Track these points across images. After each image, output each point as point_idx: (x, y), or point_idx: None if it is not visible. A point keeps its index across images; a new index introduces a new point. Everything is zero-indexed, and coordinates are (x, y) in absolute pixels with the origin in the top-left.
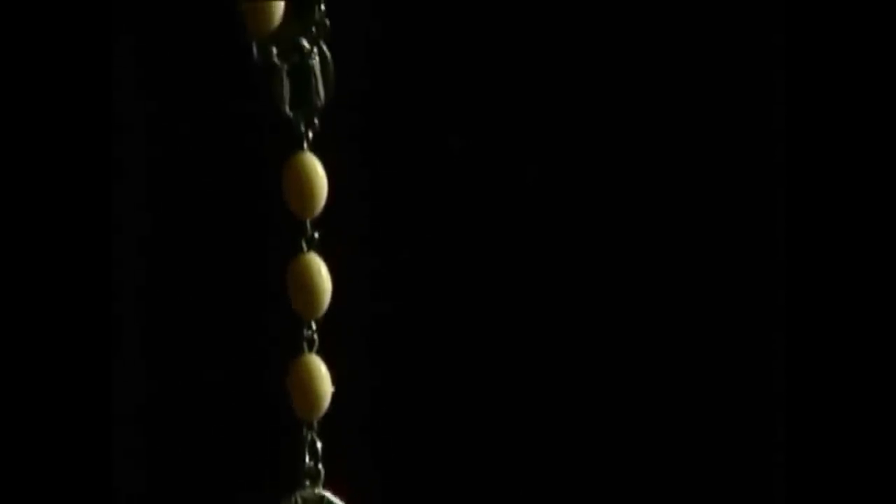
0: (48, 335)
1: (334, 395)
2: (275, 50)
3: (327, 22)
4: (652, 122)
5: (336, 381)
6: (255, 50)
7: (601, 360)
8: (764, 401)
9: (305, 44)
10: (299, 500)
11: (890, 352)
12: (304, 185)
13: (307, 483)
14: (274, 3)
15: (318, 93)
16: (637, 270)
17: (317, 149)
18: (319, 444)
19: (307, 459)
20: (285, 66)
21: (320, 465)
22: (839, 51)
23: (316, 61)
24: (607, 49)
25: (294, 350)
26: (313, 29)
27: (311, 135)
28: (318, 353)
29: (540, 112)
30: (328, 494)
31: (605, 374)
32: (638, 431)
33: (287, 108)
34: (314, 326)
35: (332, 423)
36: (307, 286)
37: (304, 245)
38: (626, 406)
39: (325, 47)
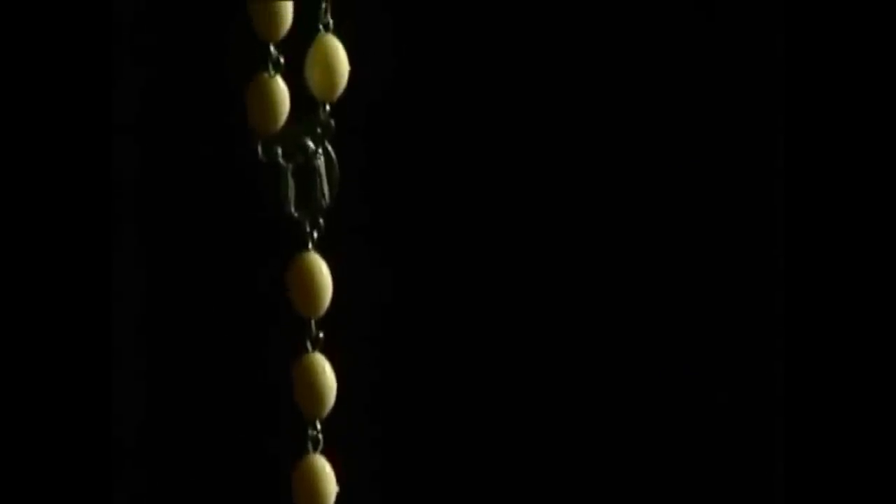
0: (48, 335)
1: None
2: (280, 150)
3: (332, 122)
4: (652, 123)
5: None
6: (260, 150)
7: (602, 359)
8: (764, 401)
9: (310, 144)
10: None
11: (890, 352)
12: (309, 285)
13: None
14: (279, 98)
15: (322, 193)
16: (637, 270)
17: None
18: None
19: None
20: (290, 167)
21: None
22: (839, 51)
23: (321, 161)
24: (608, 51)
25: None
26: (318, 129)
27: (315, 235)
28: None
29: (540, 113)
30: None
31: (606, 373)
32: (638, 431)
33: (292, 209)
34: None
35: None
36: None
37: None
38: (625, 406)
39: (329, 147)
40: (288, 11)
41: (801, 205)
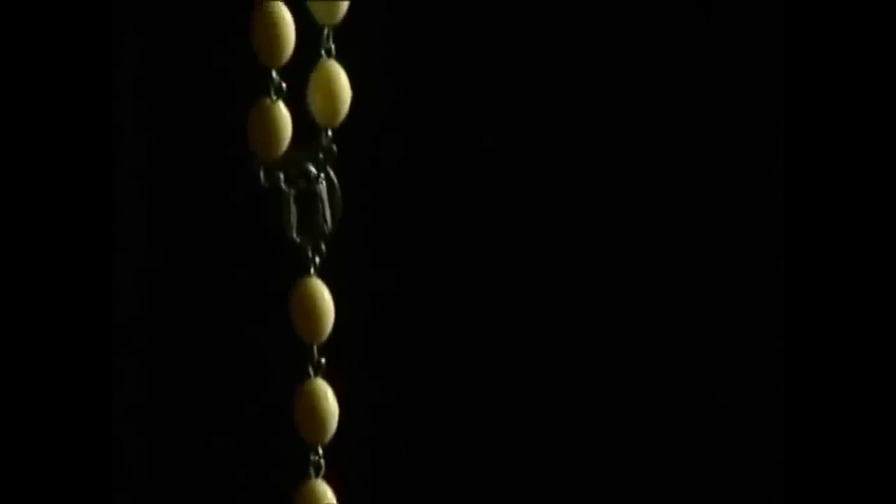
0: (48, 336)
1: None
2: (282, 176)
3: (334, 147)
4: (651, 123)
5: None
6: (262, 175)
7: (602, 362)
8: (764, 401)
9: (312, 169)
10: None
11: (890, 352)
12: (311, 311)
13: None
14: (281, 123)
15: (325, 218)
16: (637, 270)
17: None
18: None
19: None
20: (292, 192)
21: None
22: (839, 51)
23: (323, 187)
24: (609, 52)
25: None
26: (320, 154)
27: (318, 260)
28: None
29: (540, 113)
30: None
31: (606, 375)
32: (638, 432)
33: (294, 234)
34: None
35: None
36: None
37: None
38: (626, 407)
39: (332, 173)
40: (290, 37)
41: (802, 205)
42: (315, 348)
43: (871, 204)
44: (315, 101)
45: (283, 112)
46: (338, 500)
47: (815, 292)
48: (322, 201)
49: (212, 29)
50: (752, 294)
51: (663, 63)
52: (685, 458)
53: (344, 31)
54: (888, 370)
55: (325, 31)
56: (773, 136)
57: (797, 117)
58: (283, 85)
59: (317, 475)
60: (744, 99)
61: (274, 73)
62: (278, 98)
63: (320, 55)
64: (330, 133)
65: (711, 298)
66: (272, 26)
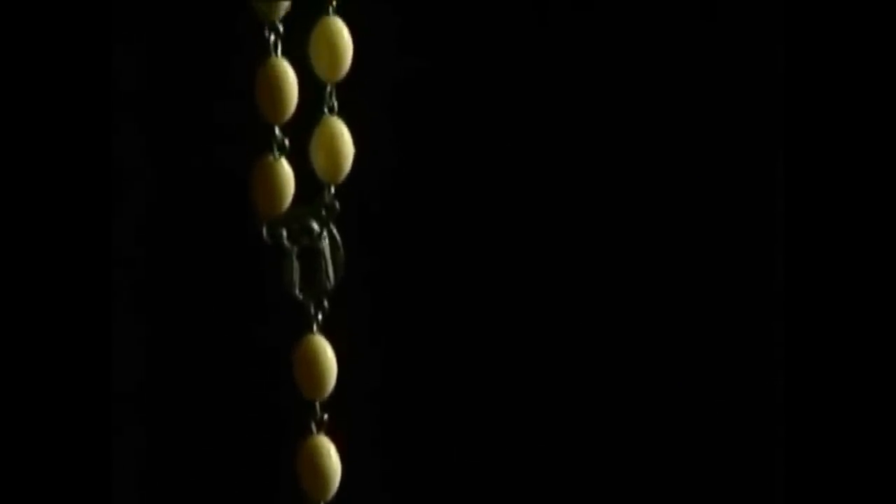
0: (47, 337)
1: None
2: (285, 232)
3: (337, 204)
4: (651, 124)
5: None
6: (264, 232)
7: (602, 361)
8: (764, 401)
9: (315, 226)
10: None
11: (890, 351)
12: (313, 368)
13: None
14: (284, 180)
15: (327, 275)
16: (637, 270)
17: None
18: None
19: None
20: (295, 249)
21: None
22: (839, 52)
23: (326, 243)
24: (607, 53)
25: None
26: (323, 211)
27: (320, 317)
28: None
29: (541, 114)
30: None
31: (606, 375)
32: (638, 431)
33: (297, 291)
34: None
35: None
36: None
37: None
38: (625, 406)
39: (334, 229)
40: (293, 94)
41: (801, 205)
42: (318, 405)
43: (871, 204)
44: (318, 159)
45: (286, 169)
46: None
47: (814, 293)
48: (325, 258)
49: (212, 30)
50: (752, 294)
51: (663, 64)
52: (685, 457)
53: (347, 88)
54: (888, 370)
55: (328, 87)
56: (773, 136)
57: (797, 118)
58: (286, 141)
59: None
60: (744, 99)
61: (277, 130)
62: (281, 155)
63: (323, 112)
64: (333, 190)
65: (711, 299)
66: (275, 84)
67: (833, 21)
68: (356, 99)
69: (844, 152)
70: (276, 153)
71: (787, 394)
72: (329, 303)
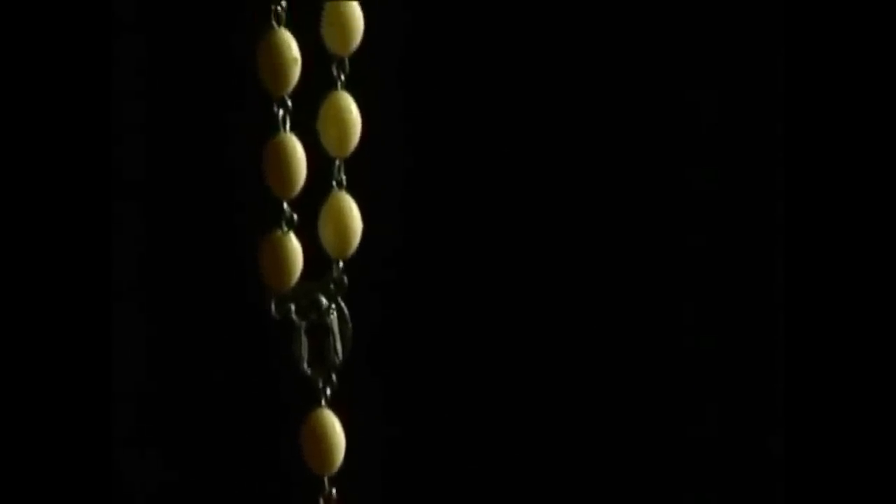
0: (47, 337)
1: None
2: (293, 307)
3: (345, 279)
4: (651, 124)
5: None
6: (273, 307)
7: (602, 362)
8: (764, 401)
9: (323, 301)
10: None
11: (890, 351)
12: (322, 443)
13: None
14: (292, 255)
15: (335, 350)
16: (638, 271)
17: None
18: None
19: None
20: (303, 324)
21: None
22: (839, 52)
23: (334, 318)
24: (607, 53)
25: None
26: (331, 286)
27: (329, 392)
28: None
29: (543, 114)
30: None
31: (606, 375)
32: (639, 430)
33: (305, 366)
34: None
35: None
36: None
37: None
38: (626, 407)
39: (342, 305)
40: (301, 170)
41: (802, 205)
42: (326, 480)
43: (871, 205)
44: (326, 234)
45: (294, 244)
46: None
47: (814, 294)
48: (333, 333)
49: (212, 28)
50: (752, 295)
51: (664, 64)
52: (685, 457)
53: (354, 164)
54: (888, 370)
55: (337, 162)
56: (774, 136)
57: (797, 119)
58: (294, 217)
59: None
60: (744, 100)
61: (285, 205)
62: (289, 230)
63: (332, 186)
64: (341, 265)
65: (712, 299)
66: (284, 160)
67: (833, 21)
68: (364, 173)
69: (845, 152)
70: (285, 227)
71: (787, 394)
72: (337, 377)
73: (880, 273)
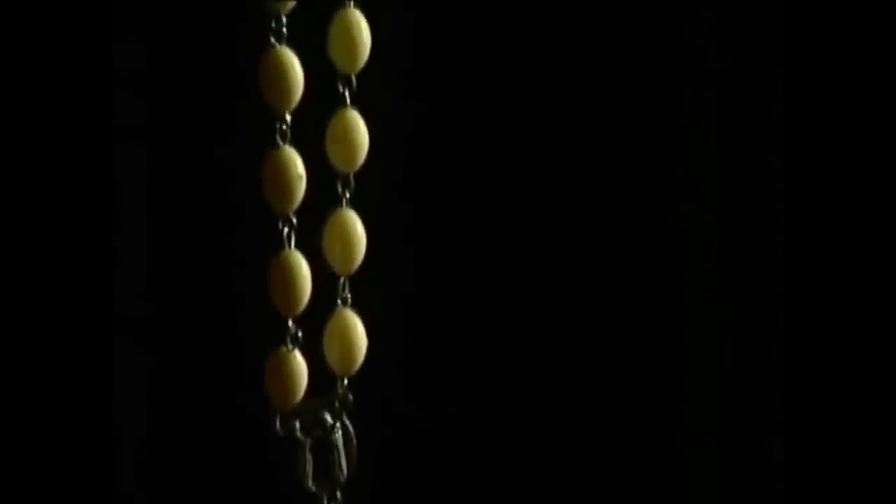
0: (47, 337)
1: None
2: (297, 424)
3: (350, 397)
4: (651, 124)
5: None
6: (277, 424)
7: (602, 362)
8: (764, 402)
9: (328, 418)
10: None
11: (890, 351)
12: None
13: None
14: (297, 373)
15: (340, 467)
16: (638, 271)
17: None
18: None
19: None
20: (308, 441)
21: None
22: (839, 51)
23: (339, 436)
24: (612, 58)
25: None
26: (336, 403)
27: None
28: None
29: (545, 114)
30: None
31: (607, 372)
32: (639, 430)
33: (310, 483)
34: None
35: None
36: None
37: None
38: (627, 404)
39: (347, 422)
40: (306, 286)
41: (802, 206)
42: None
43: (871, 205)
44: (331, 351)
45: (299, 361)
46: None
47: (815, 294)
48: (338, 451)
49: (212, 29)
50: (752, 295)
51: (664, 65)
52: (685, 458)
53: (360, 282)
54: (888, 371)
55: (342, 279)
56: (774, 136)
57: (797, 119)
58: (300, 334)
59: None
60: (744, 100)
61: (290, 322)
62: (294, 347)
63: (336, 304)
64: (346, 382)
65: (711, 300)
66: (290, 277)
67: (833, 21)
68: (370, 291)
69: (845, 152)
70: (290, 345)
71: (787, 395)
72: (342, 494)
73: (880, 273)
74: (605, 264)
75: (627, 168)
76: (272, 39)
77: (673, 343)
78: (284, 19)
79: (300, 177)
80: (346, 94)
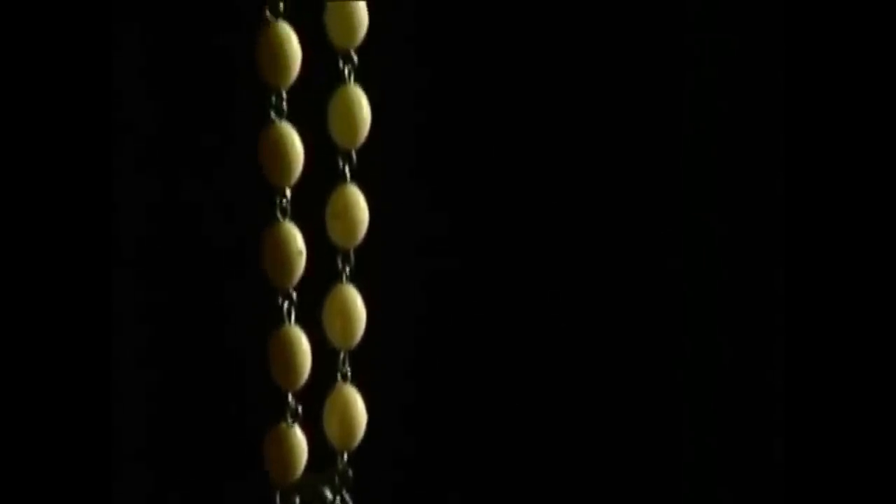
0: (47, 337)
1: None
2: (297, 499)
3: (350, 472)
4: (652, 123)
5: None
6: (278, 500)
7: (603, 362)
8: (764, 401)
9: (328, 494)
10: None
11: (890, 351)
12: None
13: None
14: (297, 448)
15: None
16: (639, 270)
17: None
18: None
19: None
20: None
21: None
22: (839, 51)
23: None
24: (615, 54)
25: None
26: (336, 479)
27: None
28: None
29: (547, 114)
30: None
31: (608, 372)
32: (640, 430)
33: None
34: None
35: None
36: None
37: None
38: (628, 404)
39: (347, 497)
40: (306, 364)
41: (802, 207)
42: None
43: (871, 205)
44: (331, 427)
45: (300, 437)
46: None
47: (815, 295)
48: None
49: (212, 27)
50: (752, 296)
51: (664, 65)
52: (687, 457)
53: (360, 358)
54: (888, 371)
55: (342, 354)
56: (774, 136)
57: (797, 119)
58: (300, 409)
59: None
60: (744, 100)
61: (290, 397)
62: (294, 422)
63: (336, 379)
64: (346, 458)
65: (712, 299)
66: (290, 351)
67: (833, 21)
68: (370, 366)
69: (845, 153)
70: (290, 420)
71: (787, 394)
72: None
73: (880, 274)
74: (605, 265)
75: (627, 168)
76: (272, 115)
77: (673, 343)
78: (284, 95)
79: (300, 252)
80: (347, 169)
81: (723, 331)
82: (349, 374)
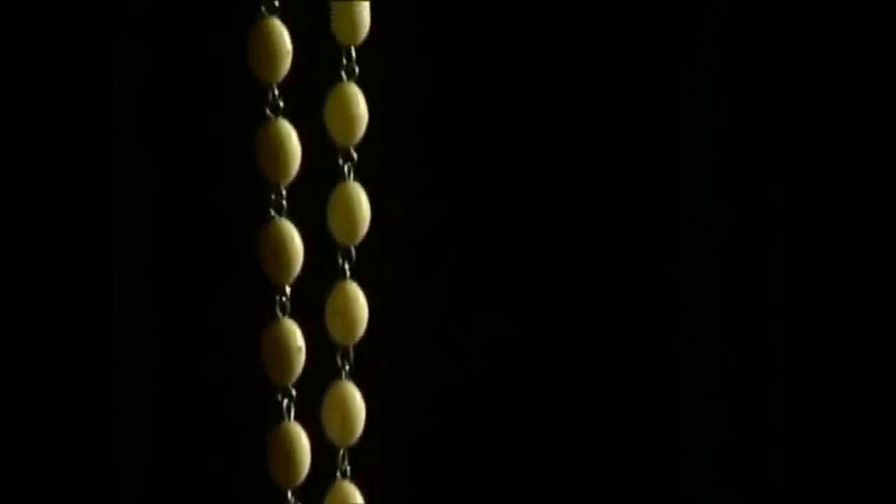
0: (47, 336)
1: None
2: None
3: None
4: (652, 124)
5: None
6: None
7: (603, 359)
8: (764, 402)
9: None
10: None
11: (889, 352)
12: None
13: None
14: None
15: None
16: (639, 270)
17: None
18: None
19: None
20: None
21: None
22: (839, 51)
23: None
24: (615, 54)
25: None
26: None
27: None
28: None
29: (547, 114)
30: None
31: (607, 372)
32: (640, 430)
33: None
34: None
35: None
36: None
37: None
38: (628, 404)
39: None
40: (305, 461)
41: (801, 206)
42: None
43: (871, 205)
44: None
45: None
46: None
47: (814, 295)
48: None
49: (211, 31)
50: (752, 297)
51: (664, 66)
52: (687, 457)
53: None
54: (888, 372)
55: (341, 451)
56: (774, 136)
57: (797, 119)
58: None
59: None
60: (743, 100)
61: (290, 495)
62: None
63: (335, 476)
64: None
65: (712, 299)
66: (288, 451)
67: (832, 21)
68: (369, 460)
69: (844, 153)
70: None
71: (787, 394)
72: None
73: (880, 274)
74: (604, 265)
75: (627, 168)
76: (272, 212)
77: (673, 343)
78: (284, 192)
79: (299, 349)
80: (346, 266)
81: (722, 331)
82: (348, 470)
